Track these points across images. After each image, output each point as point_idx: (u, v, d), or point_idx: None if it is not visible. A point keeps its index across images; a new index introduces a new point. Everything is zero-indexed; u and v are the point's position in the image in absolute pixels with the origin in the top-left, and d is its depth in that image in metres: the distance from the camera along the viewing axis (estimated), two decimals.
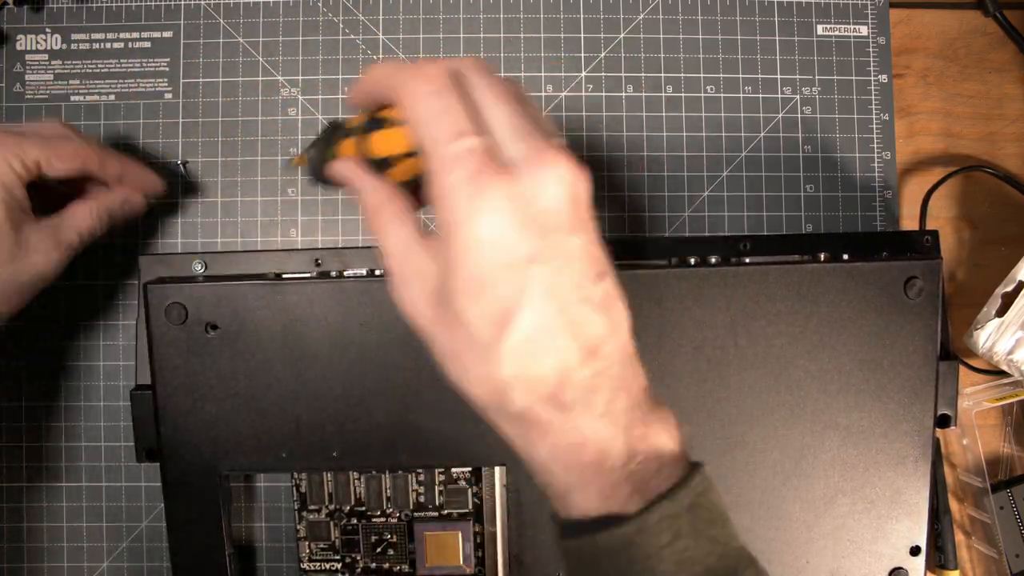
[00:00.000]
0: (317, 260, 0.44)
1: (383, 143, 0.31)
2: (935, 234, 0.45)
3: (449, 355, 0.28)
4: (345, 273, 0.42)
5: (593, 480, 0.27)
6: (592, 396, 0.27)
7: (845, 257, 0.43)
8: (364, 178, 0.31)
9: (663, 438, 0.28)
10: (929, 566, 0.44)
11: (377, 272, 0.42)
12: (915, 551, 0.43)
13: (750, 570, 0.28)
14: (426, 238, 0.29)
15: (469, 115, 0.27)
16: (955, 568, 0.46)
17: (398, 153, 0.30)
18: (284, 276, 0.42)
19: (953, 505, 0.49)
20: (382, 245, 0.30)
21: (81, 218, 0.41)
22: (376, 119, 0.31)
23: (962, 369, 0.48)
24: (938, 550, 0.46)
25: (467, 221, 0.26)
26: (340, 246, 0.47)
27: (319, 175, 0.34)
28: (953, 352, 0.45)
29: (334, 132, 0.33)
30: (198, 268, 0.44)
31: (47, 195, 0.41)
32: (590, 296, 0.27)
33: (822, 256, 0.43)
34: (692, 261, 0.43)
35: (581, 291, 0.27)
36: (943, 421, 0.43)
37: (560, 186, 0.26)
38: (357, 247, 0.45)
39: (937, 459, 0.44)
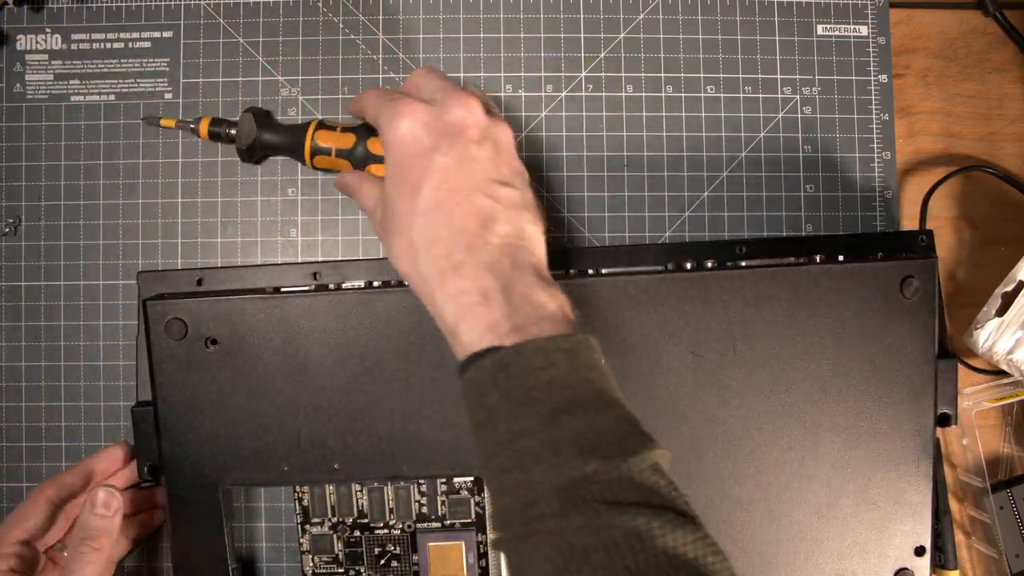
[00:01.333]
0: (315, 273, 0.44)
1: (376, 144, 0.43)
2: (930, 233, 0.45)
3: (388, 245, 0.37)
4: (343, 285, 0.43)
5: (475, 317, 0.33)
6: (478, 257, 0.34)
7: (841, 258, 0.43)
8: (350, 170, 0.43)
9: (546, 300, 0.33)
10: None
11: (375, 284, 0.43)
12: (920, 551, 0.43)
13: (621, 422, 0.30)
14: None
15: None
16: (955, 568, 0.46)
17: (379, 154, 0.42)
18: (282, 290, 0.42)
19: (953, 505, 0.49)
20: (361, 198, 0.41)
21: None
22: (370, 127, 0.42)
23: (962, 369, 0.48)
24: (938, 550, 0.46)
25: (390, 125, 0.36)
26: (338, 259, 0.47)
27: (250, 153, 0.46)
28: (952, 350, 0.45)
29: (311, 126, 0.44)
30: (196, 284, 0.44)
31: None
32: (488, 190, 0.35)
33: (818, 258, 0.43)
34: (688, 266, 0.43)
35: (480, 184, 0.35)
36: (943, 420, 0.43)
37: (463, 110, 0.36)
38: (355, 259, 0.45)
39: (938, 459, 0.44)
